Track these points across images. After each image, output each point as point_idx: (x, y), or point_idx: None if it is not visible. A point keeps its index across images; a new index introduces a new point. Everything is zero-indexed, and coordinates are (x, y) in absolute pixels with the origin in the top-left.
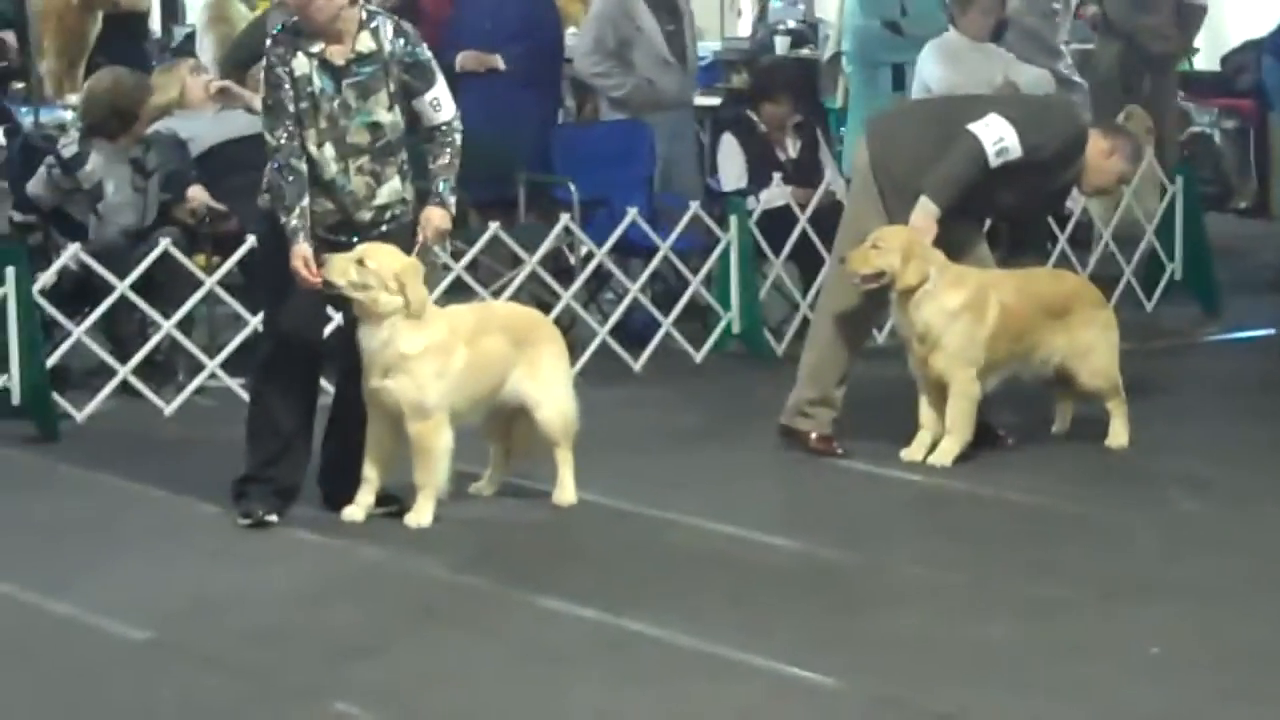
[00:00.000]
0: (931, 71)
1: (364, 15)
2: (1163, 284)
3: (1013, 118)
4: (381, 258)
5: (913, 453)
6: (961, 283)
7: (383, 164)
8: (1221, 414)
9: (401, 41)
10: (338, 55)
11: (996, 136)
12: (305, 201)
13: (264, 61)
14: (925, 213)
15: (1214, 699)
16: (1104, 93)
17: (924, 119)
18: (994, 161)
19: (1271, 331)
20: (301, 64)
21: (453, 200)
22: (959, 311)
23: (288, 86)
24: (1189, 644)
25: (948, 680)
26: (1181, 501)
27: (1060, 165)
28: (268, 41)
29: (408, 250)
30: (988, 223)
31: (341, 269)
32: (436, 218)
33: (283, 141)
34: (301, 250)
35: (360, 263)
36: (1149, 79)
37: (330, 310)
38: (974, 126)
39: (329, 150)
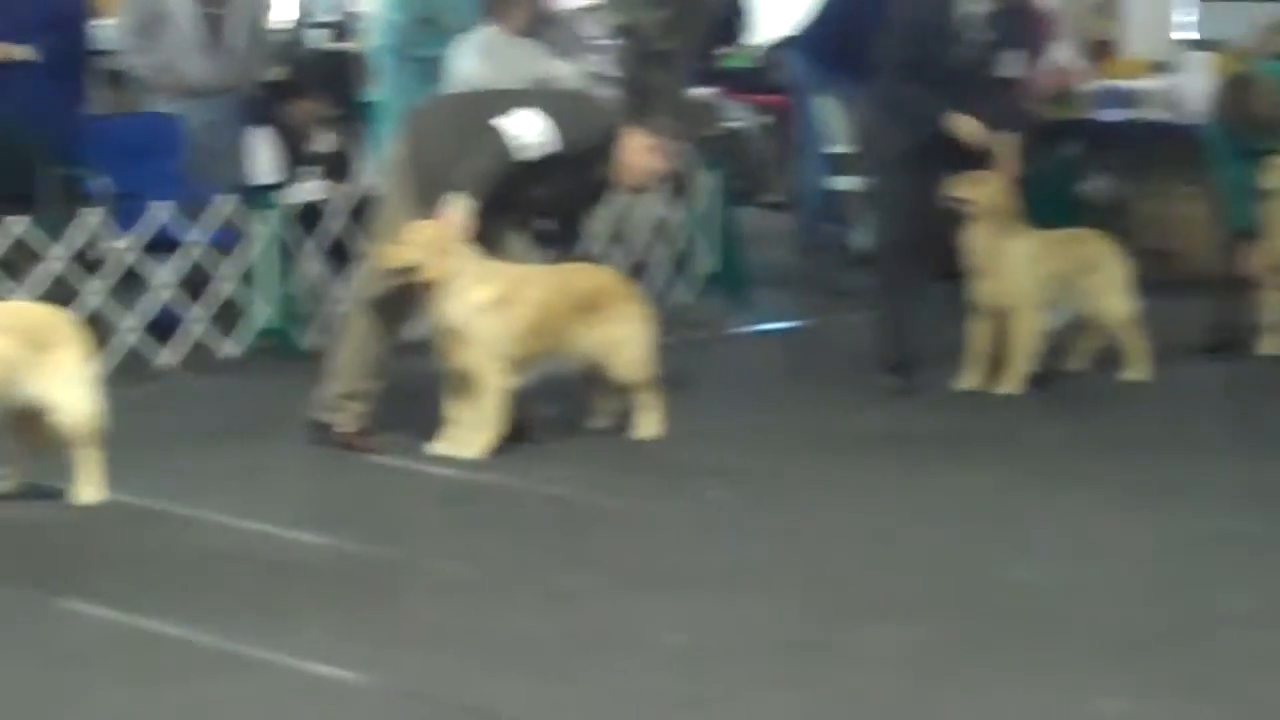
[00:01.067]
0: (467, 66)
1: None
2: (695, 276)
3: (541, 112)
4: None
5: (443, 447)
6: (491, 277)
7: None
8: (751, 404)
9: None
10: None
11: (522, 131)
12: None
13: None
14: (455, 207)
15: (740, 685)
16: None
17: (454, 113)
18: (519, 155)
19: (798, 323)
20: None
21: None
22: (488, 306)
23: None
24: (717, 631)
25: (476, 673)
26: (711, 490)
27: (593, 160)
28: None
29: None
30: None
31: None
32: None
33: None
34: None
35: None
36: (658, 73)
37: None
38: (499, 121)
39: None
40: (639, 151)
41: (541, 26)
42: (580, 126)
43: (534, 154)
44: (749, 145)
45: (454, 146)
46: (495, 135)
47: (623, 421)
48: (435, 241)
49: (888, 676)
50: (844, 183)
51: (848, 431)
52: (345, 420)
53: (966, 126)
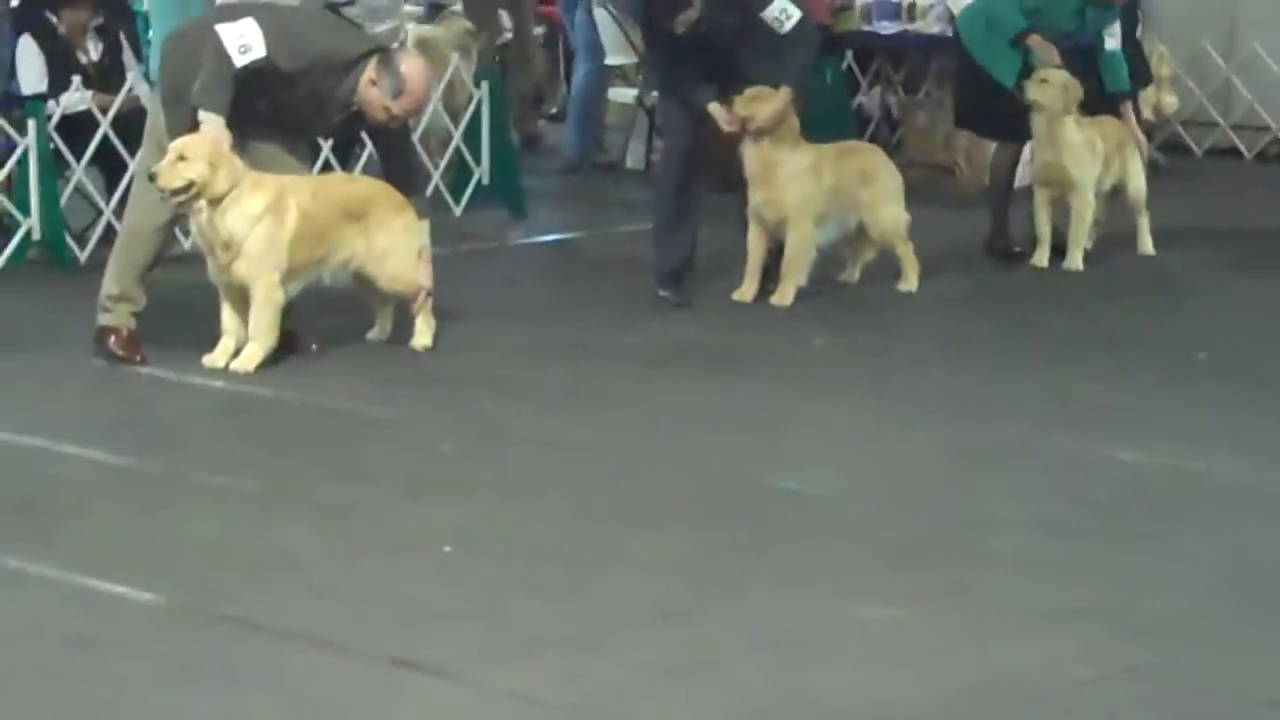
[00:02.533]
0: None
1: None
2: (470, 188)
3: (267, 24)
4: None
5: (215, 359)
6: (261, 188)
7: None
8: (526, 316)
9: None
10: None
11: (239, 36)
12: None
13: None
14: (209, 120)
15: (500, 593)
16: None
17: (198, 26)
18: (239, 60)
19: (574, 235)
20: None
21: None
22: (261, 216)
23: None
24: (480, 540)
25: (243, 585)
26: (481, 401)
27: (325, 77)
28: None
29: None
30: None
31: None
32: None
33: None
34: None
35: None
36: None
37: None
38: (221, 27)
39: None
40: (367, 84)
41: None
42: (297, 41)
43: (252, 60)
44: (526, 55)
45: (194, 60)
46: (216, 39)
47: (398, 334)
48: (213, 155)
49: (655, 584)
50: (622, 94)
51: (621, 343)
52: (116, 319)
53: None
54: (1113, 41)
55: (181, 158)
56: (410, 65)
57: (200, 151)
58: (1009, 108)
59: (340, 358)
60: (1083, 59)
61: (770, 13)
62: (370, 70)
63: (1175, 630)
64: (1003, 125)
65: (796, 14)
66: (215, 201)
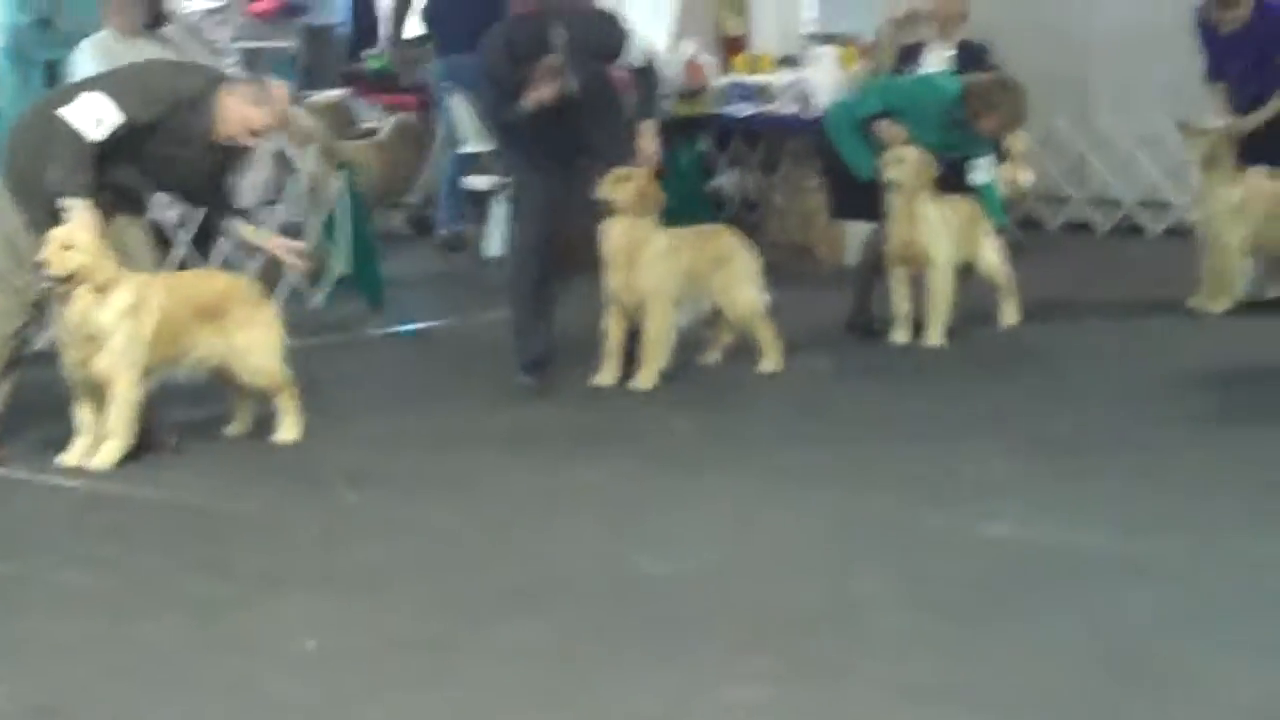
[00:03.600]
0: (84, 68)
1: None
2: (330, 280)
3: (111, 88)
4: None
5: (72, 457)
6: (127, 282)
7: None
8: (388, 406)
9: None
10: None
11: (88, 111)
12: None
13: None
14: (76, 206)
15: (366, 689)
16: None
17: (37, 116)
18: (96, 134)
19: (436, 323)
20: None
21: None
22: (127, 312)
23: None
24: (343, 634)
25: (103, 684)
26: (346, 494)
27: (186, 114)
28: None
29: None
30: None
31: None
32: None
33: None
34: None
35: None
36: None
37: None
38: (63, 111)
39: None
40: (234, 105)
41: (159, 26)
42: (152, 90)
43: (111, 129)
44: (385, 145)
45: (42, 151)
46: (62, 124)
47: (262, 426)
48: (90, 244)
49: (523, 670)
50: (479, 182)
51: (483, 430)
52: None
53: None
54: (979, 175)
55: (66, 246)
56: (267, 80)
57: (84, 240)
58: (878, 191)
59: (200, 453)
60: None
61: (628, 57)
62: (226, 87)
63: (1049, 704)
64: (875, 207)
65: (646, 49)
66: (97, 291)
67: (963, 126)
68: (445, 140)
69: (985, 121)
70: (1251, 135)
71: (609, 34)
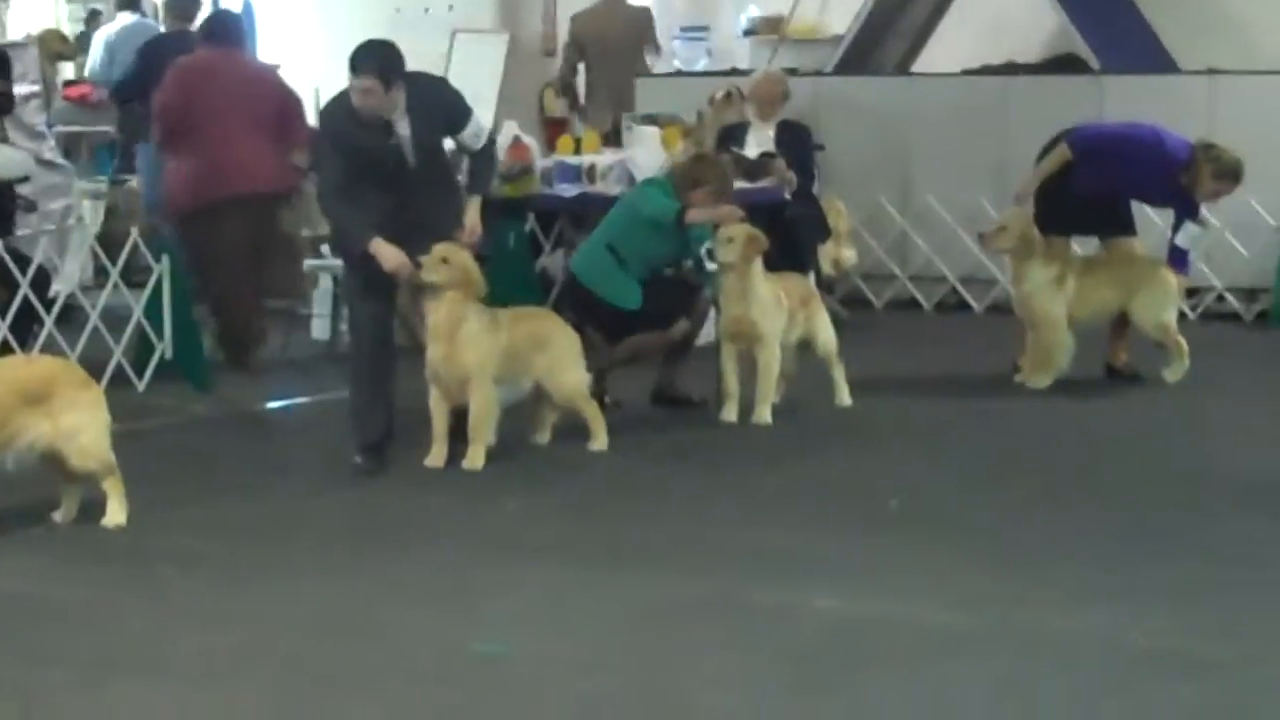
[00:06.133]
0: None
1: None
2: (153, 363)
3: None
4: None
5: None
6: None
7: None
8: (218, 489)
9: None
10: None
11: None
12: None
13: None
14: None
15: None
16: None
17: None
18: None
19: (263, 405)
20: None
21: None
22: None
23: None
24: None
25: None
26: (174, 579)
27: None
28: None
29: None
30: None
31: None
32: None
33: None
34: None
35: None
36: None
37: None
38: None
39: None
40: None
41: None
42: None
43: None
44: None
45: None
46: None
47: (88, 510)
48: None
49: None
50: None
51: (314, 514)
52: None
53: (392, 259)
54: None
55: None
56: None
57: None
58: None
59: (25, 539)
60: (764, 216)
61: (469, 130)
62: None
63: None
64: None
65: (486, 128)
66: None
67: (681, 228)
68: None
69: (696, 196)
70: (1065, 207)
71: (454, 107)
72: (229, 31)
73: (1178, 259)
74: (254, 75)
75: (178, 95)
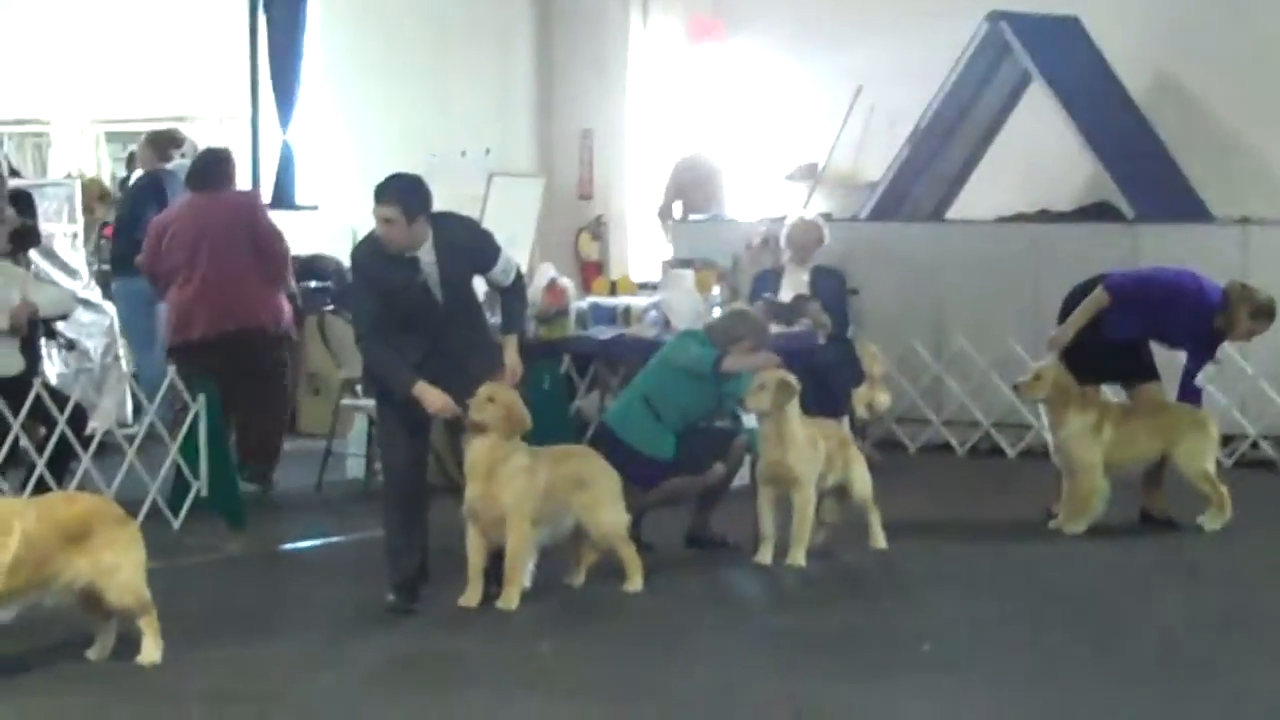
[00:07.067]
0: None
1: None
2: (189, 501)
3: None
4: None
5: None
6: None
7: None
8: (251, 629)
9: None
10: None
11: None
12: None
13: None
14: None
15: None
16: None
17: None
18: None
19: (298, 544)
20: None
21: None
22: None
23: None
24: None
25: None
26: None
27: None
28: None
29: None
30: None
31: None
32: None
33: None
34: None
35: None
36: None
37: None
38: None
39: None
40: None
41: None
42: None
43: None
44: None
45: None
46: None
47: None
48: None
49: None
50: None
51: (347, 655)
52: None
53: (436, 402)
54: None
55: None
56: None
57: None
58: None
59: (59, 675)
60: (799, 360)
61: (499, 268)
62: None
63: None
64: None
65: (515, 264)
66: None
67: (719, 376)
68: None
69: (737, 350)
70: (1094, 353)
71: (482, 246)
72: (210, 177)
73: (1193, 396)
74: (229, 219)
75: (153, 258)
